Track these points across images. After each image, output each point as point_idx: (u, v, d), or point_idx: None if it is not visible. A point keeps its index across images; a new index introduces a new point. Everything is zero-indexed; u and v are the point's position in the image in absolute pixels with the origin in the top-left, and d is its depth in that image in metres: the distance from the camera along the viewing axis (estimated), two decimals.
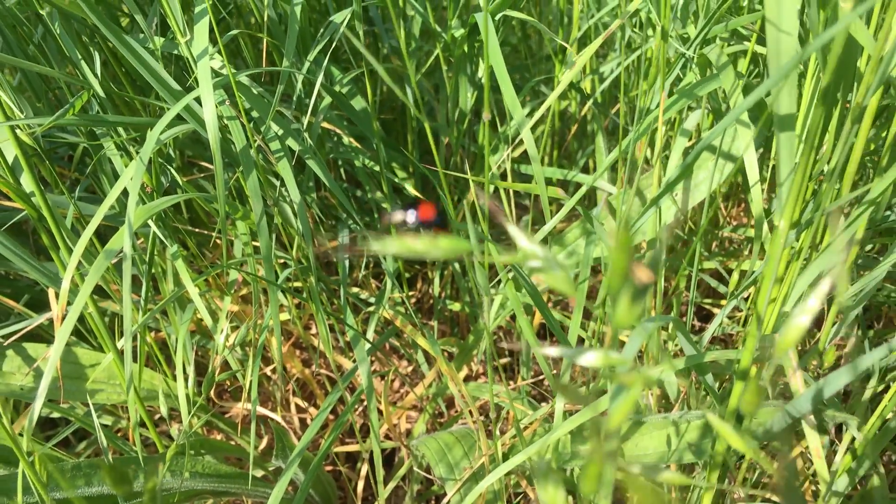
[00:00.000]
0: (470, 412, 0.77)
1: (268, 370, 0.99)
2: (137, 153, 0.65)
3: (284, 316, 0.93)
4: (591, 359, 0.23)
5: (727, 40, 0.80)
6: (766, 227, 0.68)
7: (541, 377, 0.95)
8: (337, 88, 0.85)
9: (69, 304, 0.64)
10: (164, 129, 0.61)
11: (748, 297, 0.83)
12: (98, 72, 0.64)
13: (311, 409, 1.01)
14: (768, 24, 0.44)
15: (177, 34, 0.58)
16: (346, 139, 0.92)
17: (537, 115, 0.58)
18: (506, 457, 0.78)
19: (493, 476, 0.60)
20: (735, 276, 0.83)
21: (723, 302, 0.94)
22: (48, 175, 0.72)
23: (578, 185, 1.05)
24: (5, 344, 0.84)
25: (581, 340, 0.96)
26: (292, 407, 1.00)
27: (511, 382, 1.00)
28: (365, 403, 1.00)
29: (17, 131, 0.62)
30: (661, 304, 0.69)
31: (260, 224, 0.63)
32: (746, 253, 0.93)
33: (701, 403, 0.70)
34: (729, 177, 0.77)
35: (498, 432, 0.71)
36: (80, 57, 0.64)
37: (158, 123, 0.56)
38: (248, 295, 0.98)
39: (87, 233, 0.55)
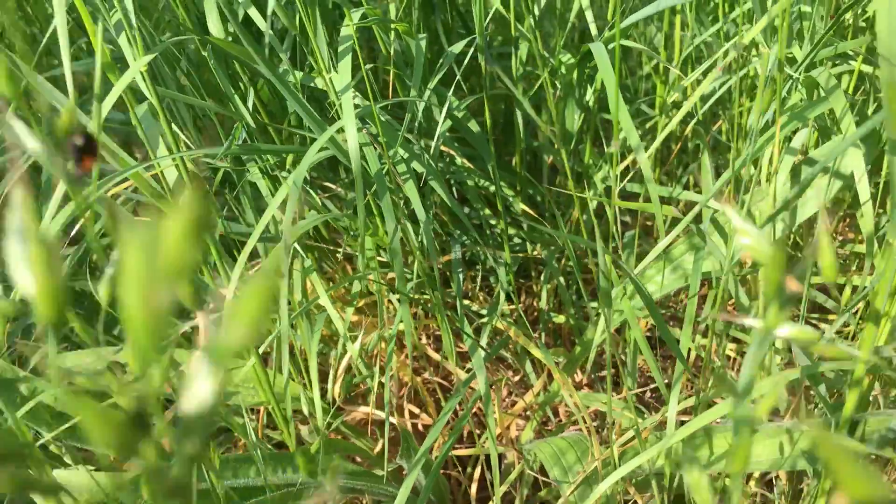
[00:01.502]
0: (583, 419, 0.81)
1: (383, 378, 1.05)
2: (281, 177, 0.72)
3: (402, 326, 0.99)
4: (784, 333, 0.27)
5: (831, 59, 0.82)
6: (876, 243, 0.70)
7: (642, 389, 0.98)
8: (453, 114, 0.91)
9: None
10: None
11: (857, 311, 0.84)
12: (250, 105, 0.71)
13: (423, 416, 1.07)
14: (882, 57, 0.47)
15: (322, 71, 0.65)
16: (458, 160, 0.97)
17: (655, 143, 0.62)
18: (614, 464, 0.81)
19: (612, 478, 0.64)
20: (847, 291, 0.85)
21: (830, 317, 0.96)
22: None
23: (683, 202, 1.08)
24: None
25: (688, 352, 0.99)
26: (406, 413, 1.05)
27: (614, 393, 1.04)
28: (474, 410, 1.05)
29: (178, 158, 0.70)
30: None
31: (393, 240, 0.69)
32: (854, 268, 0.94)
33: (811, 414, 0.72)
34: (836, 194, 0.79)
35: (614, 436, 0.75)
36: (232, 91, 0.72)
37: (309, 151, 0.63)
38: (363, 307, 1.05)
39: (248, 248, 0.62)
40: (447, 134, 0.99)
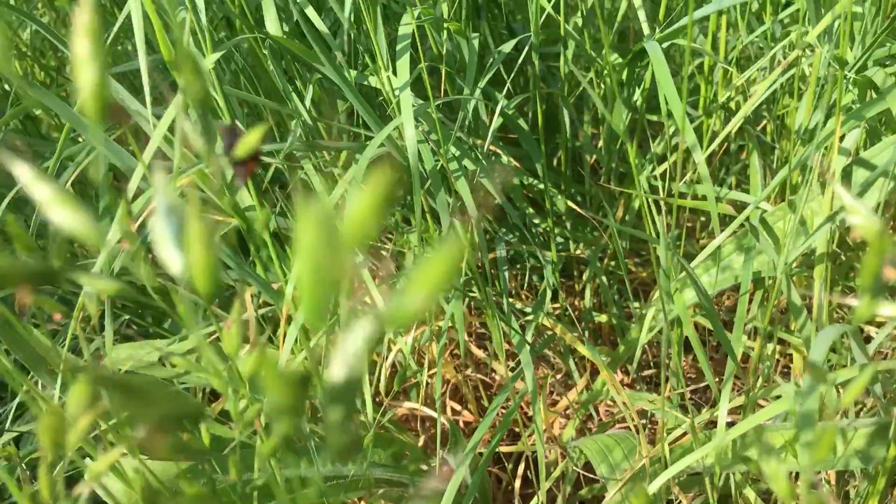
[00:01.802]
0: (630, 416, 0.81)
1: (429, 373, 1.06)
2: (337, 174, 0.74)
3: (445, 323, 1.00)
4: (888, 312, 0.27)
5: (882, 61, 0.81)
6: None
7: (687, 389, 0.98)
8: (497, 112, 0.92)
9: (261, 305, 0.73)
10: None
11: None
12: (307, 104, 0.72)
13: (465, 412, 1.08)
14: None
15: (381, 69, 0.66)
16: (504, 158, 0.98)
17: (713, 145, 0.62)
18: (664, 461, 0.81)
19: (666, 475, 0.64)
20: None
21: (879, 319, 0.95)
22: (250, 193, 0.82)
23: (725, 201, 1.07)
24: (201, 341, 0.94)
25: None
26: (448, 409, 1.06)
27: (656, 393, 1.04)
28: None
29: None
30: (826, 318, 0.72)
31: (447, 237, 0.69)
32: None
33: (866, 413, 0.72)
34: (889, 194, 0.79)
35: (665, 434, 0.75)
36: (290, 89, 0.73)
37: (369, 148, 0.64)
38: None
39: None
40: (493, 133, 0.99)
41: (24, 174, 0.19)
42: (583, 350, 0.86)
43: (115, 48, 0.85)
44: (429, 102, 0.72)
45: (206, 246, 0.19)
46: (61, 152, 0.67)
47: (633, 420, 0.80)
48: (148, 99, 0.57)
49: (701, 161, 0.63)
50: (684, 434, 0.85)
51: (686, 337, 1.08)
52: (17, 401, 0.92)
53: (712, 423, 0.89)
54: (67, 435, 0.26)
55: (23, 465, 0.77)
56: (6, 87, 1.28)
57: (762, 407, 0.70)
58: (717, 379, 1.03)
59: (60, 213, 0.19)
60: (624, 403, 0.81)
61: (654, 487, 0.65)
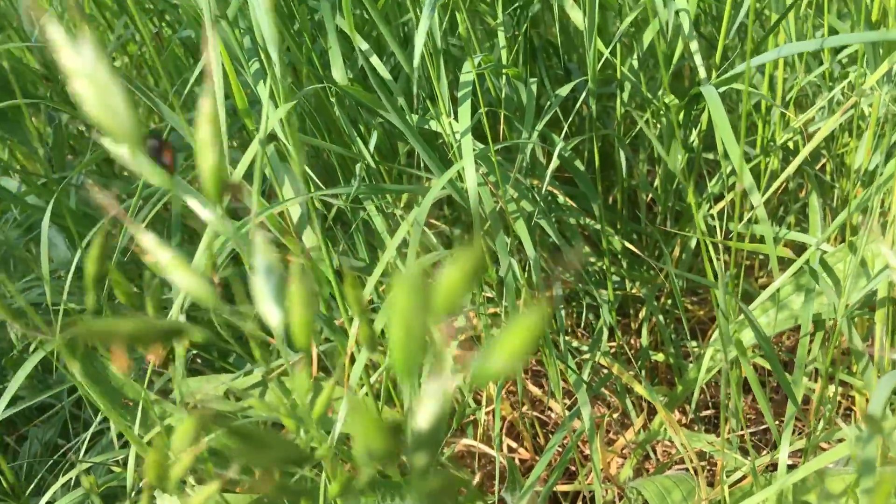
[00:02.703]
0: (689, 458, 0.81)
1: (486, 410, 1.07)
2: (399, 216, 0.76)
3: None
4: None
5: None
6: None
7: (745, 431, 0.97)
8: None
9: (322, 342, 0.75)
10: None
11: None
12: (371, 147, 0.75)
13: (521, 450, 1.08)
14: None
15: (443, 115, 0.69)
16: (560, 198, 1.00)
17: (770, 190, 0.63)
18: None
19: None
20: None
21: None
22: (315, 233, 0.85)
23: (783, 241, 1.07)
24: (269, 378, 0.97)
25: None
26: (504, 447, 1.07)
27: (715, 434, 1.03)
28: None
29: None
30: (888, 362, 0.71)
31: (507, 277, 0.71)
32: None
33: None
34: None
35: (724, 476, 0.75)
36: (355, 134, 0.76)
37: (431, 191, 0.67)
38: (464, 341, 1.07)
39: (370, 284, 0.65)
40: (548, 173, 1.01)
41: (148, 240, 0.22)
42: (640, 389, 0.86)
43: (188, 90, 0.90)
44: (488, 146, 0.74)
45: (305, 306, 0.21)
46: (140, 194, 0.71)
47: (691, 461, 0.80)
48: (226, 143, 0.60)
49: (759, 204, 0.64)
50: (744, 477, 0.84)
51: (746, 377, 1.07)
52: (89, 432, 0.96)
53: (772, 466, 0.88)
54: (170, 470, 0.28)
55: (97, 495, 0.80)
56: (82, 129, 1.35)
57: (824, 450, 0.69)
58: (777, 421, 1.01)
59: (179, 275, 0.21)
60: (682, 445, 0.81)
61: None
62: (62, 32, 0.18)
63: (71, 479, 0.87)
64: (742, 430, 0.94)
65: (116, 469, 0.91)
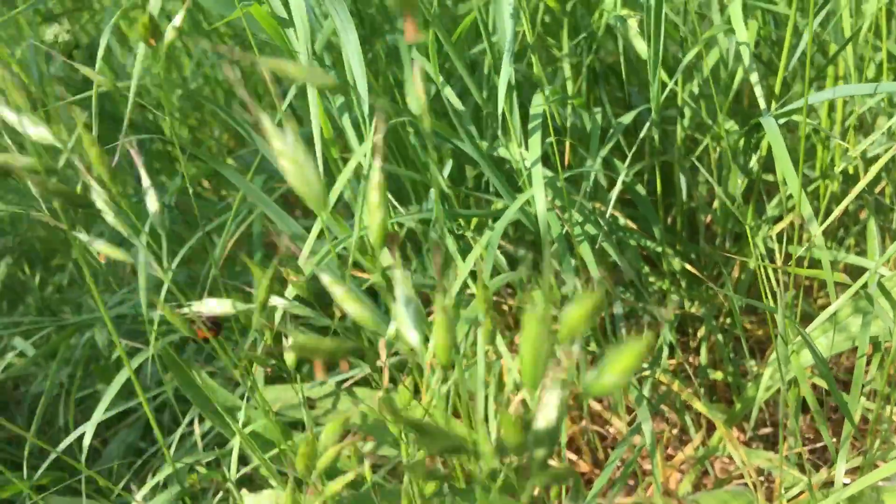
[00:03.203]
0: (748, 473, 0.84)
1: None
2: (472, 239, 0.81)
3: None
4: None
5: None
6: None
7: (803, 449, 0.99)
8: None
9: (390, 355, 0.80)
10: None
11: None
12: (446, 174, 0.80)
13: (581, 462, 1.12)
14: None
15: (515, 145, 0.73)
16: (621, 220, 1.03)
17: (830, 219, 0.66)
18: None
19: None
20: None
21: None
22: (391, 254, 0.91)
23: (842, 263, 1.09)
24: (343, 388, 1.03)
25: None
26: (565, 459, 1.11)
27: (773, 452, 1.05)
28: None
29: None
30: None
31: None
32: None
33: None
34: None
35: (782, 491, 0.78)
36: (430, 161, 0.82)
37: (504, 216, 0.71)
38: None
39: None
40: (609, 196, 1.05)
41: (328, 280, 0.27)
42: (699, 406, 0.90)
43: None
44: (555, 173, 0.78)
45: (447, 332, 0.26)
46: (236, 214, 0.78)
47: (750, 477, 0.83)
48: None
49: (817, 233, 0.67)
50: (800, 493, 0.87)
51: (804, 397, 1.09)
52: (177, 433, 1.03)
53: (829, 484, 0.90)
54: (317, 461, 0.34)
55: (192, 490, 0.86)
56: (169, 149, 1.43)
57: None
58: (834, 439, 1.03)
59: (352, 307, 0.27)
60: (742, 461, 0.84)
61: None
62: (270, 121, 0.23)
63: (158, 480, 0.94)
64: (799, 448, 0.96)
65: (203, 470, 0.97)
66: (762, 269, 0.76)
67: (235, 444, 0.72)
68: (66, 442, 0.91)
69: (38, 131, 0.28)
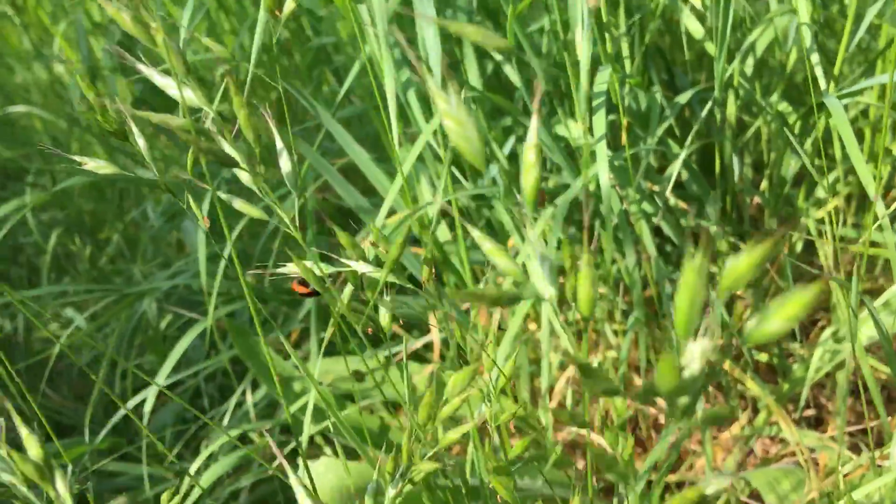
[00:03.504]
0: (801, 451, 0.85)
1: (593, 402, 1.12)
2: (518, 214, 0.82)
3: (613, 354, 1.06)
4: None
5: None
6: None
7: (853, 429, 1.00)
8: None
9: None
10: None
11: None
12: (507, 151, 0.81)
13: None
14: None
15: (581, 123, 0.74)
16: (671, 200, 1.04)
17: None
18: (830, 497, 0.84)
19: None
20: None
21: None
22: (448, 229, 0.92)
23: None
24: (395, 361, 1.05)
25: None
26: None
27: (821, 431, 1.06)
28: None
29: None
30: None
31: (633, 272, 0.76)
32: None
33: None
34: None
35: (839, 466, 0.79)
36: (489, 139, 0.83)
37: (568, 192, 0.72)
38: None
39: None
40: (658, 175, 1.06)
41: (478, 235, 0.28)
42: (751, 385, 0.90)
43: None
44: (615, 152, 0.79)
45: (591, 285, 0.27)
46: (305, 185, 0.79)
47: (802, 454, 0.84)
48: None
49: (885, 216, 0.68)
50: (846, 474, 0.88)
51: (853, 379, 1.09)
52: (233, 399, 1.05)
53: (877, 466, 0.90)
54: (438, 412, 0.35)
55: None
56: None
57: None
58: (889, 418, 1.04)
59: (501, 260, 0.28)
60: (793, 439, 0.85)
61: None
62: (434, 83, 0.24)
63: (213, 450, 0.96)
64: (848, 428, 0.97)
65: (256, 438, 0.99)
66: (821, 247, 0.76)
67: (309, 404, 0.73)
68: (131, 404, 0.94)
69: (187, 94, 0.30)
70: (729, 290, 0.23)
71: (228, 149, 0.32)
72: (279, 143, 0.34)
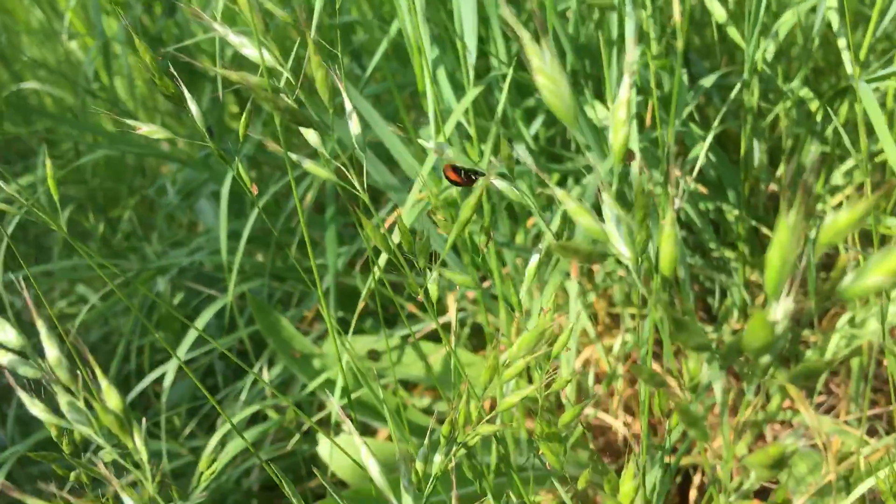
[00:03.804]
0: (819, 434, 0.85)
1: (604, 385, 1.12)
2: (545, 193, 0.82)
3: (630, 337, 1.07)
4: None
5: None
6: None
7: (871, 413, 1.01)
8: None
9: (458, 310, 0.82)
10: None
11: None
12: (533, 130, 0.81)
13: (635, 424, 1.14)
14: None
15: (606, 103, 0.74)
16: (692, 185, 1.04)
17: None
18: (847, 480, 0.85)
19: (861, 489, 0.69)
20: None
21: None
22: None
23: None
24: (409, 342, 1.05)
25: None
26: (620, 420, 1.13)
27: (834, 417, 1.06)
28: None
29: None
30: None
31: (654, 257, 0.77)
32: None
33: None
34: None
35: (859, 449, 0.79)
36: (516, 117, 0.83)
37: (595, 171, 0.72)
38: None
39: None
40: (675, 159, 1.06)
41: (560, 194, 0.28)
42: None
43: None
44: (641, 135, 0.79)
45: (674, 245, 0.27)
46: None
47: (820, 437, 0.85)
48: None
49: None
50: (865, 457, 0.88)
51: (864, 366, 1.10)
52: (251, 376, 1.05)
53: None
54: (499, 374, 0.35)
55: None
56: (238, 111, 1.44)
57: None
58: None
59: (584, 219, 0.28)
60: (811, 425, 0.85)
61: (850, 499, 0.69)
62: (530, 35, 0.25)
63: (228, 428, 0.96)
64: (862, 413, 0.97)
65: (273, 415, 1.00)
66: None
67: (339, 381, 0.74)
68: (148, 380, 0.94)
69: (266, 54, 0.30)
70: (828, 245, 0.23)
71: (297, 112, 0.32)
72: (348, 105, 0.34)
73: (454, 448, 0.38)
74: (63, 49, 1.71)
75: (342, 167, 0.34)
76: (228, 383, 1.24)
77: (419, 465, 0.39)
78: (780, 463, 0.27)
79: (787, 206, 0.23)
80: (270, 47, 0.31)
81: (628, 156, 0.28)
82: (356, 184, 0.35)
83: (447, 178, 0.53)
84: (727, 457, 0.31)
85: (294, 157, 0.35)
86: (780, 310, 0.25)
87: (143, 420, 0.30)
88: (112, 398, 0.29)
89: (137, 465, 0.29)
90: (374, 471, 0.33)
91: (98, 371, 0.29)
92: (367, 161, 0.83)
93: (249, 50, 0.31)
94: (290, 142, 1.34)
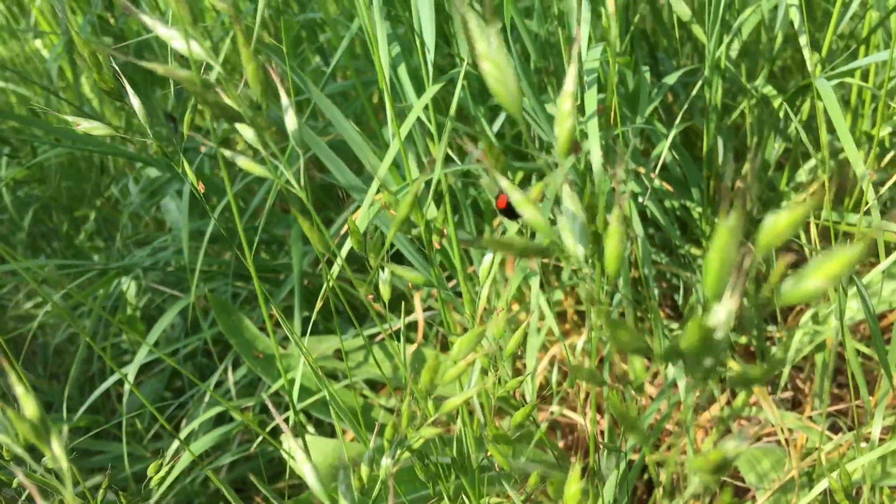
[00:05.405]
0: (781, 430, 0.86)
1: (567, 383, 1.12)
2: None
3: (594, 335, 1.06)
4: None
5: None
6: None
7: (833, 408, 1.01)
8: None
9: (426, 309, 0.81)
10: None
11: None
12: (495, 128, 0.81)
13: (602, 421, 1.14)
14: None
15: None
16: (656, 182, 1.04)
17: (883, 189, 0.67)
18: (810, 476, 0.85)
19: (822, 486, 0.69)
20: None
21: None
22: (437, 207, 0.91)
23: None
24: (375, 341, 1.04)
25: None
26: (587, 417, 1.13)
27: (798, 413, 1.07)
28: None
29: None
30: None
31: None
32: None
33: None
34: None
35: (821, 445, 0.80)
36: (479, 114, 0.82)
37: (559, 170, 0.72)
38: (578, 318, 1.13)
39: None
40: (643, 158, 1.06)
41: (506, 185, 0.28)
42: (733, 365, 0.91)
43: None
44: (603, 132, 0.79)
45: (620, 243, 0.27)
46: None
47: (783, 433, 0.85)
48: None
49: (873, 201, 0.68)
50: (828, 453, 0.89)
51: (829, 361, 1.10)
52: (216, 376, 1.04)
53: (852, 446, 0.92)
54: (441, 376, 0.35)
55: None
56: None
57: None
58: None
59: (529, 212, 0.28)
60: (774, 418, 0.86)
61: (811, 496, 0.69)
62: (476, 20, 0.24)
63: (193, 427, 0.95)
64: (824, 409, 0.98)
65: (238, 416, 0.98)
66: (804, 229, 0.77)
67: (297, 378, 0.73)
68: (108, 382, 0.92)
69: (194, 46, 0.29)
70: (767, 247, 0.22)
71: (231, 103, 0.31)
72: (284, 100, 0.33)
73: (398, 451, 0.37)
74: (29, 48, 1.69)
75: (280, 165, 0.34)
76: (194, 385, 1.23)
77: (364, 469, 0.38)
78: (722, 468, 0.27)
79: (727, 208, 0.23)
80: (200, 40, 0.30)
81: (574, 147, 0.28)
82: (293, 181, 0.35)
83: (497, 207, 0.56)
84: (669, 462, 0.30)
85: (227, 153, 0.34)
86: (722, 313, 0.24)
87: (65, 428, 0.29)
88: (28, 406, 0.28)
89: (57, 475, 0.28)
90: (311, 477, 0.33)
91: (13, 377, 0.28)
92: (329, 160, 0.82)
93: (178, 43, 0.30)
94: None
